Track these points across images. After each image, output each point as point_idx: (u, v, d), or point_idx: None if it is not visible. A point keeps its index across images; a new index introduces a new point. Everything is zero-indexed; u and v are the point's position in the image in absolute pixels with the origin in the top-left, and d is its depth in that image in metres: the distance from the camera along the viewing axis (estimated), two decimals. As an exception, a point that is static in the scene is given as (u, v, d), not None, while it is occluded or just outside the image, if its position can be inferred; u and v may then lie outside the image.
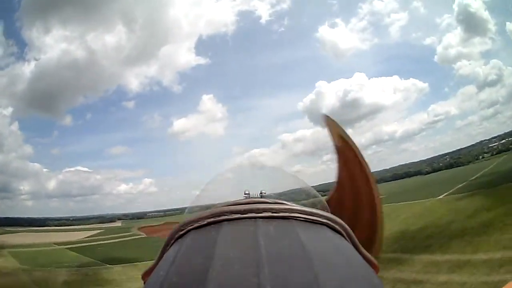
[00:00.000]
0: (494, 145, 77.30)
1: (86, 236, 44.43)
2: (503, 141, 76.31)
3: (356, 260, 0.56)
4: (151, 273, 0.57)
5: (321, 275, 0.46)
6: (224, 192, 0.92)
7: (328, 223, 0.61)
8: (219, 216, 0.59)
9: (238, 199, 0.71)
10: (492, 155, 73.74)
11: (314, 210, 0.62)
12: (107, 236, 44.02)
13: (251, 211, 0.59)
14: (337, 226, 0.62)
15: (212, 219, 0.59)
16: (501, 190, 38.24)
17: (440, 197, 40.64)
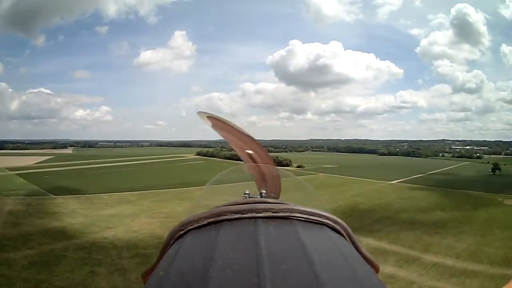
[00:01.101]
0: (458, 148, 79.94)
1: (37, 161, 48.71)
2: (468, 147, 78.96)
3: (356, 260, 0.60)
4: (151, 273, 0.60)
5: (321, 275, 0.48)
6: (224, 192, 1.06)
7: (328, 223, 0.66)
8: (219, 216, 0.64)
9: (238, 199, 0.81)
10: (453, 156, 76.19)
11: (314, 210, 0.66)
12: (56, 163, 47.68)
13: (251, 211, 0.64)
14: (337, 226, 0.67)
15: (212, 219, 0.64)
16: (459, 195, 38.86)
17: (393, 182, 42.14)
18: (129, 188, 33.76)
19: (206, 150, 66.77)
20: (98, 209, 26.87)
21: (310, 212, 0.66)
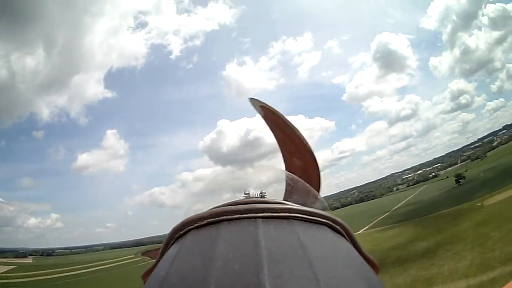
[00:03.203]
0: (409, 176, 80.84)
1: (1, 271, 51.66)
2: (419, 171, 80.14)
3: (356, 260, 0.61)
4: (151, 273, 0.62)
5: (321, 275, 0.50)
6: (224, 192, 1.09)
7: (328, 223, 0.68)
8: (219, 216, 0.65)
9: (238, 199, 0.81)
10: (408, 186, 76.41)
11: (314, 210, 0.68)
12: (19, 274, 51.01)
13: (251, 211, 0.65)
14: (337, 226, 0.69)
15: (212, 219, 0.65)
16: (433, 219, 37.51)
17: (361, 231, 40.69)
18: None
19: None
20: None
21: (310, 212, 0.66)
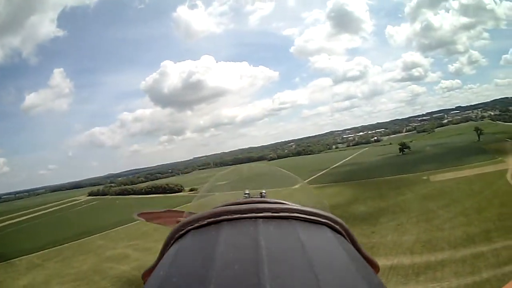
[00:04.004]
0: (350, 136, 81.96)
1: None
2: (361, 133, 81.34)
3: (356, 260, 0.64)
4: (151, 273, 0.64)
5: (321, 275, 0.52)
6: (224, 192, 1.15)
7: (328, 223, 0.71)
8: (219, 216, 0.68)
9: (238, 199, 0.86)
10: (348, 145, 77.52)
11: (314, 210, 0.71)
12: None
13: (251, 211, 0.68)
14: (337, 226, 0.72)
15: (212, 219, 0.69)
16: (375, 184, 37.28)
17: (297, 186, 40.59)
18: (34, 248, 36.53)
19: (97, 188, 72.77)
20: (12, 279, 29.81)
21: (310, 212, 0.70)
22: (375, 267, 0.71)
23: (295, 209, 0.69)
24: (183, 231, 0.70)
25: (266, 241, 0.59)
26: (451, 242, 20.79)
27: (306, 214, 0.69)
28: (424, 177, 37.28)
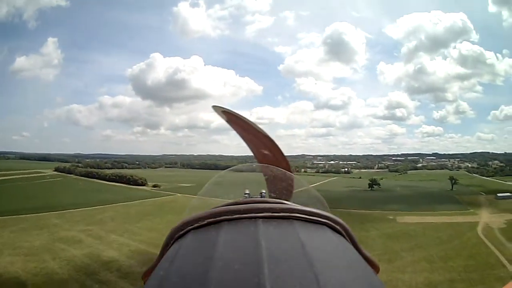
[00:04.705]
0: (321, 163, 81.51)
1: None
2: (332, 162, 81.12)
3: (356, 260, 0.65)
4: (151, 273, 0.65)
5: (321, 275, 0.53)
6: (224, 192, 1.18)
7: (328, 223, 0.72)
8: (219, 216, 0.69)
9: (238, 199, 0.90)
10: (317, 171, 77.09)
11: (314, 210, 0.72)
12: None
13: (251, 211, 0.69)
14: (337, 226, 0.73)
15: (212, 219, 0.69)
16: (338, 214, 37.86)
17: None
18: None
19: (63, 165, 72.42)
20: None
21: (310, 212, 0.71)
22: (375, 267, 0.71)
23: (295, 209, 0.69)
24: (183, 231, 0.71)
25: (266, 241, 0.59)
26: (412, 286, 20.15)
27: (306, 214, 0.69)
28: (391, 217, 36.81)
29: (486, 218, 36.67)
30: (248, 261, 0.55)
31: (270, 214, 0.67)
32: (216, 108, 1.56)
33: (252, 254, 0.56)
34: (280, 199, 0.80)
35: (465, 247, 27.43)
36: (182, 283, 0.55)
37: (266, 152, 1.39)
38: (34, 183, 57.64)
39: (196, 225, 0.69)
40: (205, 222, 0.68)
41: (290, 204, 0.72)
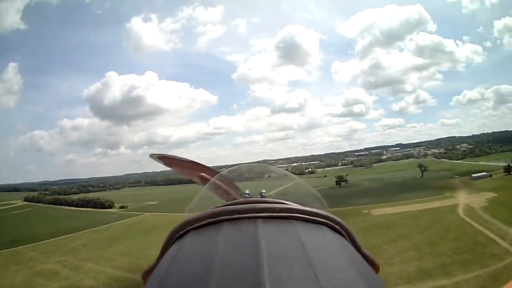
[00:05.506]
0: (283, 167, 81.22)
1: None
2: (294, 164, 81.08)
3: (356, 260, 0.66)
4: (151, 273, 0.66)
5: (321, 275, 0.53)
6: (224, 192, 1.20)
7: (328, 223, 0.73)
8: (219, 216, 0.70)
9: (238, 199, 0.93)
10: None
11: (314, 210, 0.73)
12: None
13: (251, 211, 0.70)
14: (337, 226, 0.74)
15: (212, 219, 0.71)
16: None
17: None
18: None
19: (32, 195, 70.95)
20: None
21: (310, 212, 0.72)
22: (375, 266, 0.72)
23: (295, 209, 0.70)
24: (183, 231, 0.72)
25: (266, 241, 0.60)
26: (404, 277, 19.61)
27: (306, 214, 0.70)
28: (365, 211, 36.88)
29: (465, 199, 37.22)
30: (248, 261, 0.55)
31: (270, 214, 0.68)
32: (152, 156, 1.62)
33: (252, 254, 0.56)
34: (280, 199, 0.78)
35: (448, 230, 27.51)
36: (182, 283, 0.55)
37: (202, 174, 1.39)
38: (7, 215, 57.11)
39: (196, 225, 0.70)
40: (205, 222, 0.69)
41: (289, 204, 0.73)
